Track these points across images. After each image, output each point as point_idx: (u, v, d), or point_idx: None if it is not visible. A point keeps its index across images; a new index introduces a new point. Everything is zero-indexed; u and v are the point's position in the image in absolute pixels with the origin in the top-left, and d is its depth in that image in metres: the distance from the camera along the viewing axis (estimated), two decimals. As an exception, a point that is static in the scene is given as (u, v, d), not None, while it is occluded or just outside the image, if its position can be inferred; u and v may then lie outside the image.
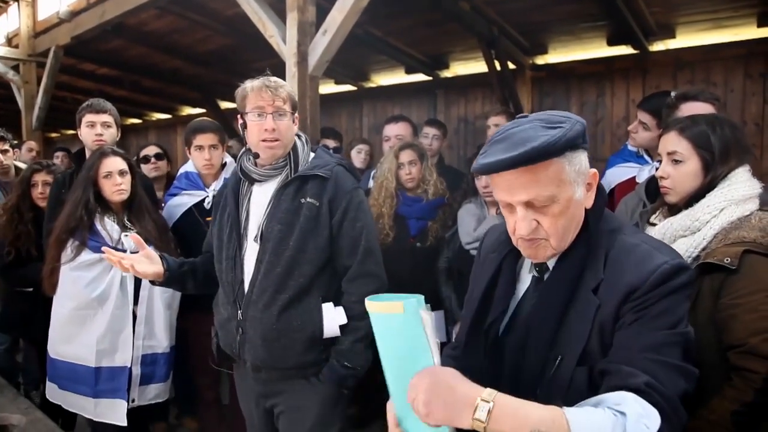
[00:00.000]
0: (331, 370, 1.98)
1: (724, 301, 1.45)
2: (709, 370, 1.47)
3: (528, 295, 1.25)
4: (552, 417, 0.93)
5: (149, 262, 2.00)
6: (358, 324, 1.98)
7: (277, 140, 1.97)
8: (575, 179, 1.11)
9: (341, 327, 1.99)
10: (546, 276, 1.23)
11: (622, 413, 0.94)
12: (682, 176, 1.60)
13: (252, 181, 2.07)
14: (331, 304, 2.00)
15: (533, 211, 1.11)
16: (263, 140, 1.97)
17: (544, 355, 1.14)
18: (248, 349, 2.01)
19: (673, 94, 2.20)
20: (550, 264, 1.22)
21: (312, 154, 2.11)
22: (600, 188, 1.21)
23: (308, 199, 1.98)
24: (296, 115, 2.06)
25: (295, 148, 2.07)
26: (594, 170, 1.16)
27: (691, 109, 2.04)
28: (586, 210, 1.18)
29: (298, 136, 2.11)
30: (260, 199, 2.05)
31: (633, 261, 1.11)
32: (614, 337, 1.09)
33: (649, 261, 1.09)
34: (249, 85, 1.98)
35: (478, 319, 1.29)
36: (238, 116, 2.03)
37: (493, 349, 1.25)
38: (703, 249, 1.52)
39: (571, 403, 1.00)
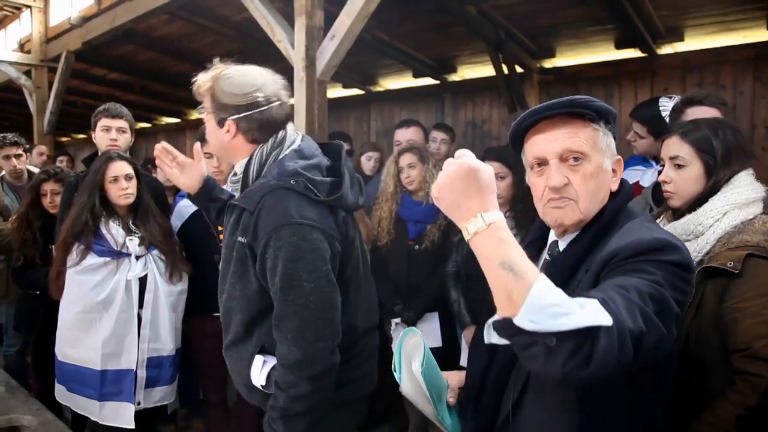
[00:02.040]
0: (266, 423, 1.64)
1: (727, 305, 1.44)
2: (713, 374, 1.47)
3: None
4: (526, 267, 0.91)
5: (188, 173, 2.06)
6: (276, 394, 1.58)
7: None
8: (605, 151, 1.20)
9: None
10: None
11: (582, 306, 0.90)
12: (684, 180, 1.60)
13: None
14: (261, 359, 1.64)
15: (566, 167, 1.19)
16: None
17: None
18: None
19: (661, 100, 2.19)
20: (562, 247, 1.25)
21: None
22: (624, 182, 1.26)
23: (238, 237, 1.61)
24: (231, 116, 1.65)
25: (252, 155, 1.65)
26: (620, 157, 1.25)
27: (696, 113, 2.03)
28: (610, 194, 1.23)
29: (274, 136, 1.66)
30: None
31: (620, 236, 1.14)
32: None
33: (634, 234, 1.11)
34: None
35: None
36: None
37: None
38: (707, 253, 1.52)
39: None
